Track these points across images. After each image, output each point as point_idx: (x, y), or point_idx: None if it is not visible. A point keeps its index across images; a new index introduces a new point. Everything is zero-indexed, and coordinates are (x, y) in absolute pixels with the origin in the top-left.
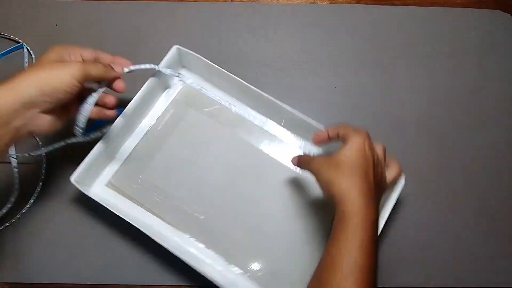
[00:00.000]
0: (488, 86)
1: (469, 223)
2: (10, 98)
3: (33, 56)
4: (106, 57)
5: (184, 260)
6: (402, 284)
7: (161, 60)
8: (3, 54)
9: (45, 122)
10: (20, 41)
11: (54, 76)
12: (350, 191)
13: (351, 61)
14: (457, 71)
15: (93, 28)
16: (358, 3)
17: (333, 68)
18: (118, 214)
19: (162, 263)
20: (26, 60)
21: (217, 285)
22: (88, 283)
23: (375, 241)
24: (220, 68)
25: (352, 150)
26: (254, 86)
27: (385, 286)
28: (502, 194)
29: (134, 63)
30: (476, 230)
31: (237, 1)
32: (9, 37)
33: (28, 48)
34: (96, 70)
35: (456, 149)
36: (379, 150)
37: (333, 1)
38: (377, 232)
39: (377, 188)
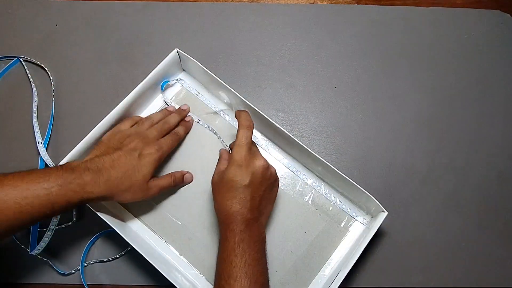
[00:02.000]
0: (488, 86)
1: (470, 223)
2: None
3: (34, 60)
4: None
5: (155, 266)
6: (402, 284)
7: (161, 61)
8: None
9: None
10: (16, 56)
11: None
12: (232, 211)
13: (351, 61)
14: (457, 71)
15: (93, 28)
16: (358, 3)
17: (333, 68)
18: (94, 210)
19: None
20: (28, 72)
21: None
22: (89, 283)
23: (261, 256)
24: (216, 77)
25: (231, 168)
26: (254, 86)
27: (385, 286)
28: (502, 194)
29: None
30: (476, 230)
31: (237, 1)
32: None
33: (21, 60)
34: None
35: (457, 148)
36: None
37: (333, 1)
38: (262, 246)
39: (265, 200)
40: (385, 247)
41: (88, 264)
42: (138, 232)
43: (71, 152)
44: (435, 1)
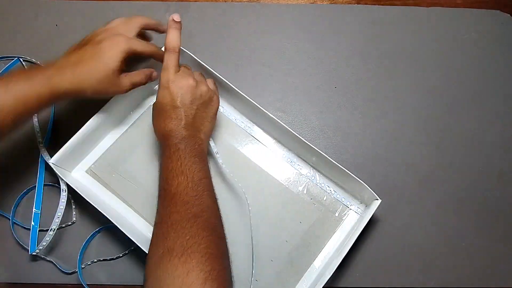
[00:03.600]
0: (488, 86)
1: (469, 223)
2: None
3: (34, 60)
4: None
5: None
6: (402, 284)
7: None
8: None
9: None
10: (16, 56)
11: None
12: (167, 130)
13: (351, 61)
14: (456, 71)
15: (93, 28)
16: (358, 3)
17: (333, 68)
18: (91, 202)
19: None
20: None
21: None
22: (88, 283)
23: (199, 161)
24: (208, 67)
25: (160, 91)
26: (254, 86)
27: (385, 286)
28: (501, 193)
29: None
30: (475, 230)
31: (237, 1)
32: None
33: (21, 60)
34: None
35: (456, 148)
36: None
37: (333, 1)
38: (201, 155)
39: (200, 117)
40: (385, 246)
41: (92, 262)
42: (140, 229)
43: (63, 147)
44: (435, 1)
